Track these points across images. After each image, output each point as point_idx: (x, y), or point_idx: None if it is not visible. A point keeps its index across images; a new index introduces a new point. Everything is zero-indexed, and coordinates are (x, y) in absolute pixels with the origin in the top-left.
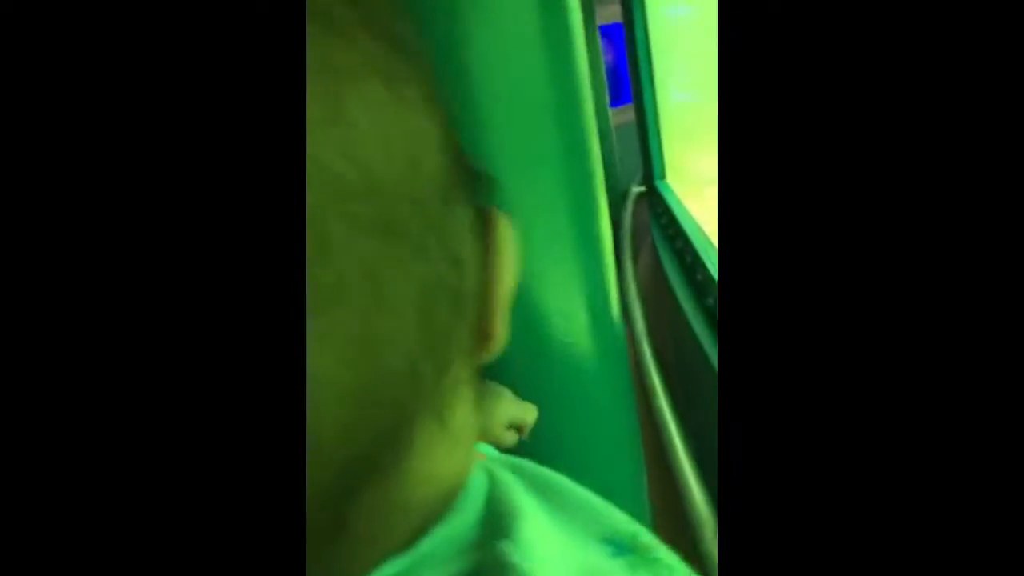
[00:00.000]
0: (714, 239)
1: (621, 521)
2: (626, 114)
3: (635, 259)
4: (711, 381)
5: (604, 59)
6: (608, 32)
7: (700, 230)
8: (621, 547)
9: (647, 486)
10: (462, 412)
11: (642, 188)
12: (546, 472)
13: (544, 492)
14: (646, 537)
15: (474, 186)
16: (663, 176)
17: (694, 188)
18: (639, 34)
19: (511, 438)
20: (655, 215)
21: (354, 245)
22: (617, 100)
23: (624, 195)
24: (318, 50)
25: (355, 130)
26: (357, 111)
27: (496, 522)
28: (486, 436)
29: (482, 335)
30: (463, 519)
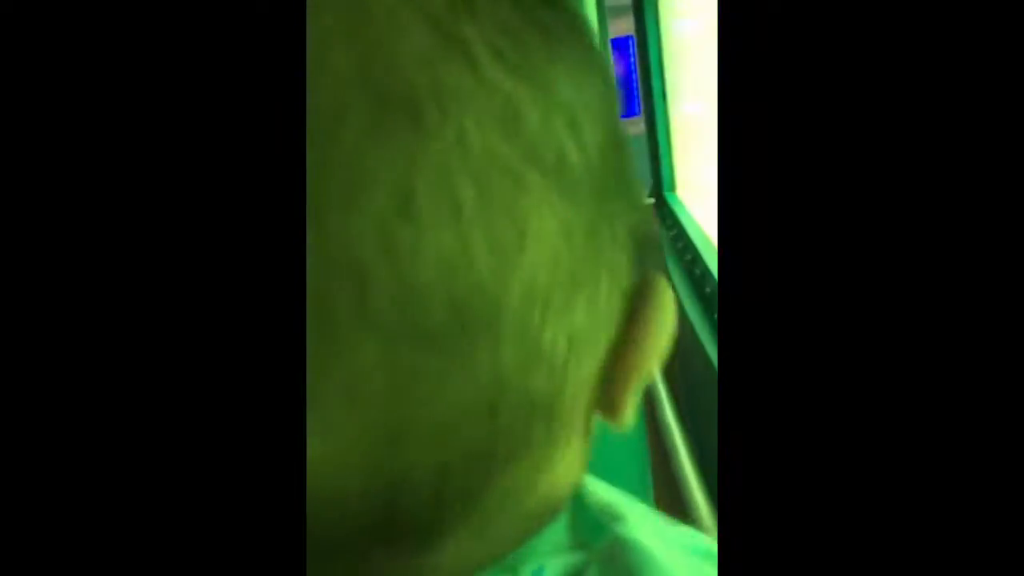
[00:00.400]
0: None
1: (688, 532)
2: (635, 126)
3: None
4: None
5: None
6: (618, 45)
7: (709, 243)
8: (696, 552)
9: (652, 497)
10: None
11: (651, 199)
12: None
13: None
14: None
15: (635, 259)
16: (673, 188)
17: (703, 201)
18: (651, 46)
19: None
20: (665, 227)
21: (385, 354)
22: (626, 112)
23: None
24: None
25: (424, 229)
26: (429, 204)
27: (598, 514)
28: None
29: (607, 407)
30: (556, 527)
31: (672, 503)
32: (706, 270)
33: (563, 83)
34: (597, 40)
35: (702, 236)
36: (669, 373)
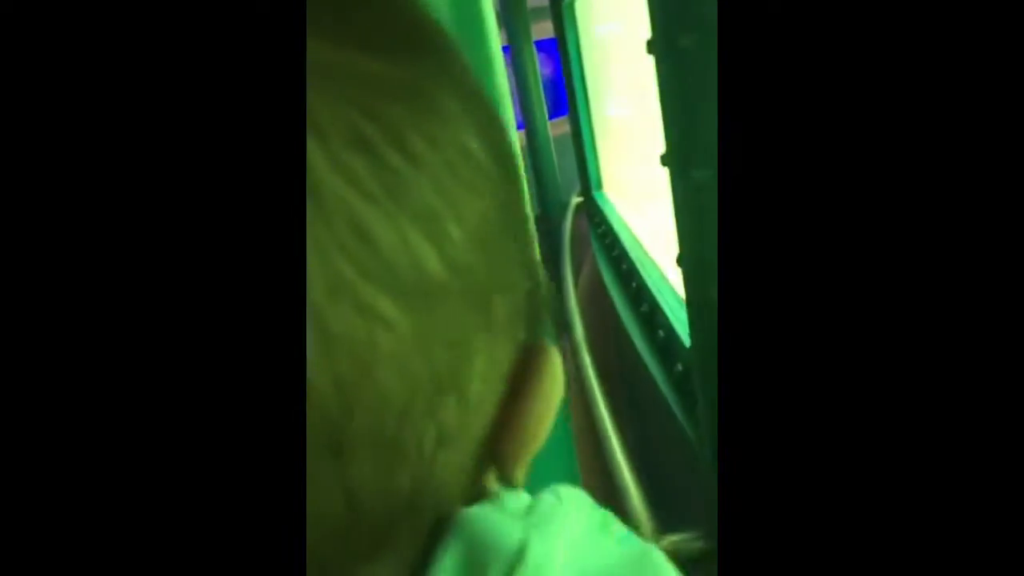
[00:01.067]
0: (651, 250)
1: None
2: (566, 126)
3: (578, 267)
4: (646, 384)
5: (542, 72)
6: (544, 46)
7: (635, 239)
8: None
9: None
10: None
11: (580, 198)
12: None
13: None
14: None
15: (524, 328)
16: (600, 187)
17: (631, 200)
18: (571, 50)
19: None
20: (593, 225)
21: None
22: (556, 112)
23: (564, 205)
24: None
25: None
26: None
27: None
28: None
29: (499, 473)
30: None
31: (606, 496)
32: (632, 266)
33: (424, 191)
34: (479, 119)
35: (628, 233)
36: (603, 365)
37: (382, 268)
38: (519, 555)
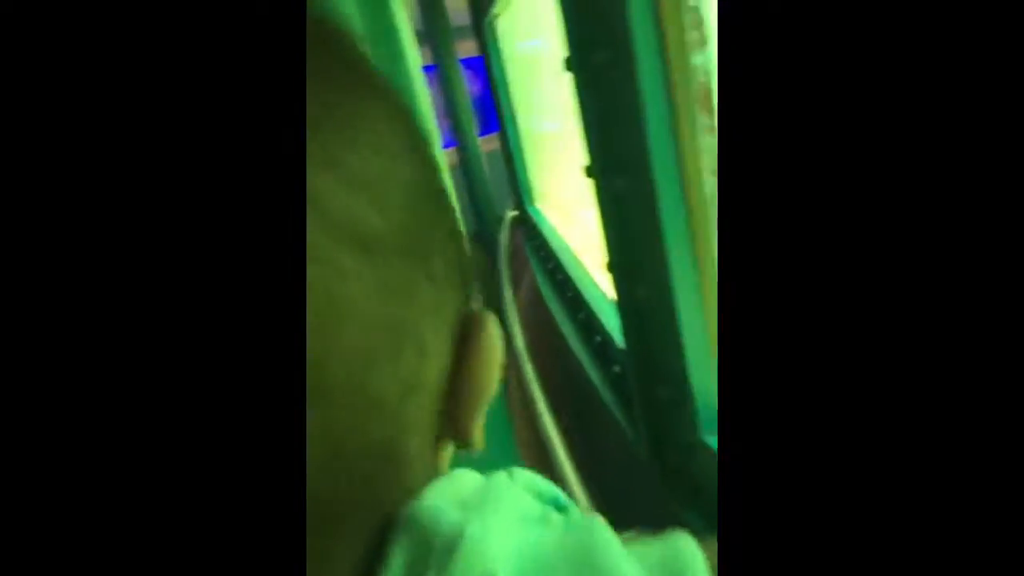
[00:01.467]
0: (585, 260)
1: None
2: (497, 142)
3: (517, 279)
4: (586, 388)
5: (470, 90)
6: (471, 64)
7: (569, 250)
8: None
9: None
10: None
11: (515, 212)
12: None
13: None
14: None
15: (462, 288)
16: (533, 201)
17: (565, 213)
18: (496, 67)
19: None
20: (528, 238)
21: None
22: (487, 129)
23: (500, 219)
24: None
25: None
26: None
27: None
28: None
29: (456, 435)
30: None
31: None
32: (567, 276)
33: (360, 162)
34: (396, 99)
35: (562, 244)
36: (545, 374)
37: (336, 227)
38: (456, 539)
